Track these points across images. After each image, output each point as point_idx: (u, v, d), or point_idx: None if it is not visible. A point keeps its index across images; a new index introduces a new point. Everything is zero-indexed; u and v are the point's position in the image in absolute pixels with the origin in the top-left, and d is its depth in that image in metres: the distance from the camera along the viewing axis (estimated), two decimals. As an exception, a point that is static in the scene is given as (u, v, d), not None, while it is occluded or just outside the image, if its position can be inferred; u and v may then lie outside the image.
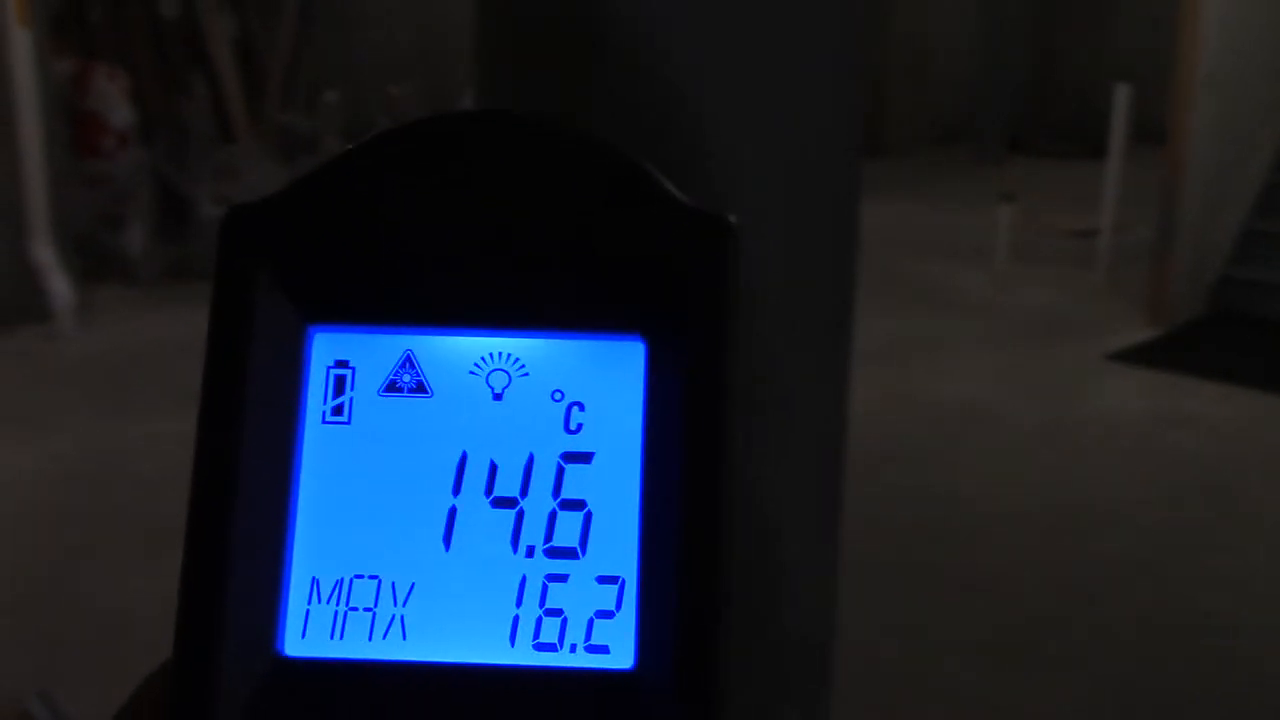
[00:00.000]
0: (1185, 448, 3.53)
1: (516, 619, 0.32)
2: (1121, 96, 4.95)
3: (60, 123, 4.59)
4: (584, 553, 0.33)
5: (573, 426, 0.33)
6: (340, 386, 0.34)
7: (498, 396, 0.33)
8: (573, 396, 0.33)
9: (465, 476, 0.33)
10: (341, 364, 0.34)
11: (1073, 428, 3.71)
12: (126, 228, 4.88)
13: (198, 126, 5.17)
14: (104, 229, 4.91)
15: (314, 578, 0.33)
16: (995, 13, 8.37)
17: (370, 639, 0.33)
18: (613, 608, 0.32)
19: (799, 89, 1.18)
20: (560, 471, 0.33)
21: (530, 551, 0.33)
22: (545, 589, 0.33)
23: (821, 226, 1.24)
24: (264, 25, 5.62)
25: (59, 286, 4.31)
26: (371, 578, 0.33)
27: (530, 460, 0.33)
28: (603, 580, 0.32)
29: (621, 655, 0.32)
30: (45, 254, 4.32)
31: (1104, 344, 4.41)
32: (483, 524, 0.33)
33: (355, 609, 0.33)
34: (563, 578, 0.33)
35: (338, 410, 0.34)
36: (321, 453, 0.33)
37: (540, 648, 0.32)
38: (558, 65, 1.16)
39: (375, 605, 0.33)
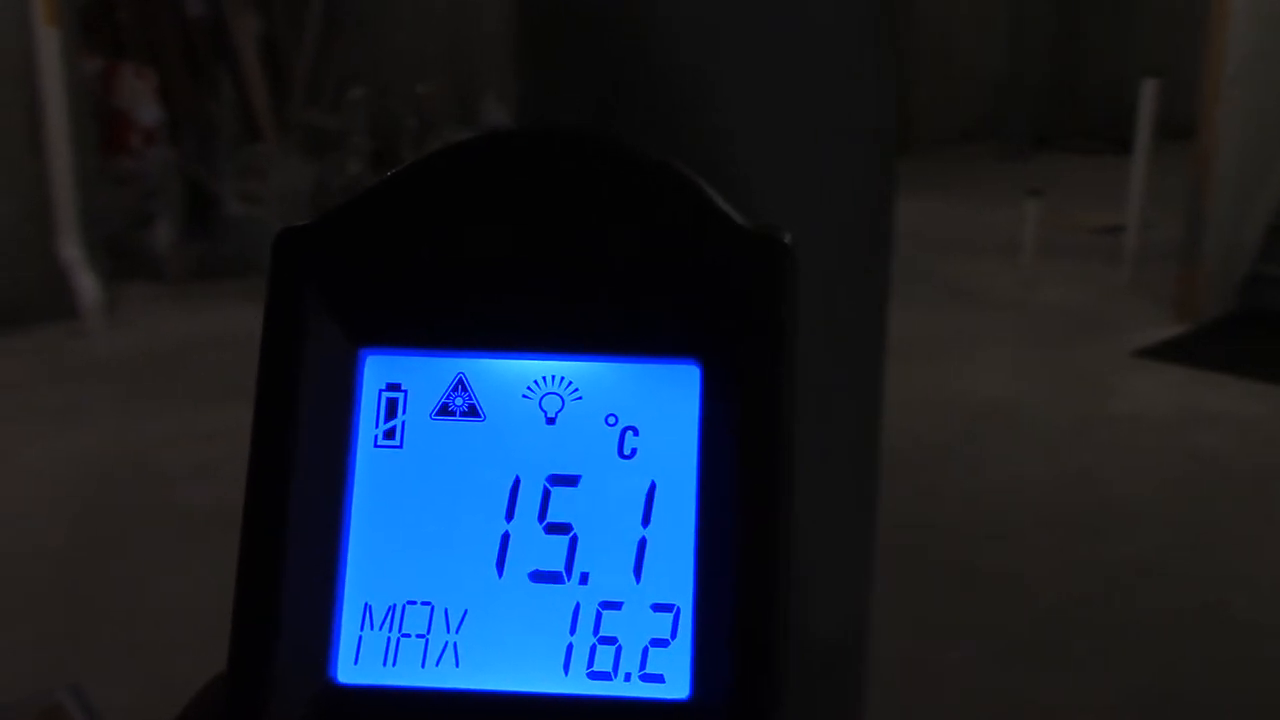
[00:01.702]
0: (1212, 445, 3.50)
1: (570, 647, 0.32)
2: (1149, 92, 4.91)
3: (88, 121, 4.61)
4: (639, 580, 0.32)
5: (627, 451, 0.33)
6: (392, 410, 0.33)
7: (551, 420, 0.33)
8: (627, 421, 0.33)
9: (518, 501, 0.33)
10: (393, 387, 0.33)
11: (1099, 424, 3.69)
12: (154, 225, 4.90)
13: (224, 124, 5.19)
14: (131, 227, 4.93)
15: (366, 604, 0.33)
16: (1021, 7, 8.32)
17: (423, 666, 0.32)
18: (668, 636, 0.32)
19: (835, 91, 1.17)
20: None
21: (584, 578, 0.33)
22: (599, 616, 0.32)
23: (857, 227, 1.23)
24: (290, 23, 5.63)
25: (87, 284, 4.33)
26: (424, 604, 0.33)
27: None
28: (658, 608, 0.32)
29: (677, 685, 0.32)
30: (73, 252, 4.35)
31: (1131, 340, 4.39)
32: (536, 550, 0.33)
33: (408, 635, 0.32)
34: (617, 605, 0.32)
35: (389, 434, 0.33)
36: (373, 477, 0.33)
37: (594, 676, 0.32)
38: (593, 67, 1.15)
39: (428, 632, 0.32)
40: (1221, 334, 4.53)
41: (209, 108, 5.23)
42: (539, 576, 0.33)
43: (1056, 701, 2.29)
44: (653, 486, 0.32)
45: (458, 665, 0.32)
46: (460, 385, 0.33)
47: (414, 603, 0.33)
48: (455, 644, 0.32)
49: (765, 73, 1.14)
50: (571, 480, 0.33)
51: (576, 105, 1.17)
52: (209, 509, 3.00)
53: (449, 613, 0.33)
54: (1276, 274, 4.77)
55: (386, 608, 0.33)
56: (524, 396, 0.33)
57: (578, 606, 0.32)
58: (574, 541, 0.33)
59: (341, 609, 0.33)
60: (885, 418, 1.31)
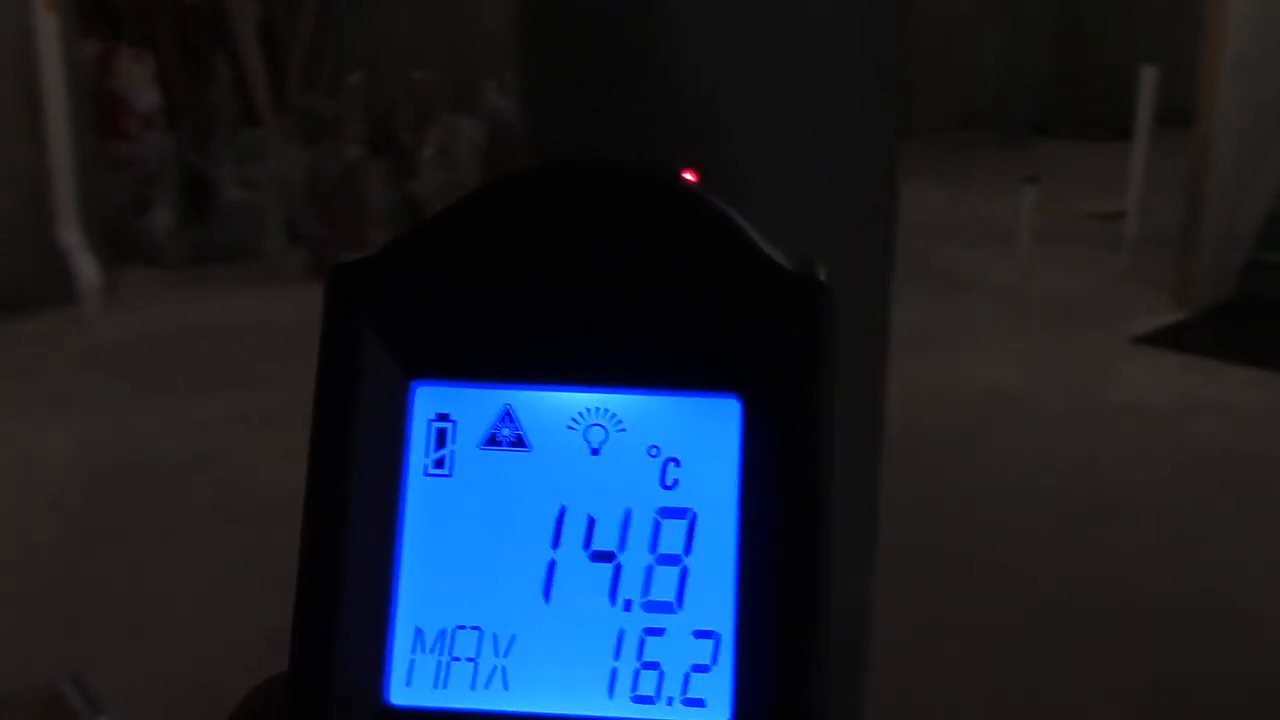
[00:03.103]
0: (1211, 432, 3.52)
1: (615, 671, 0.33)
2: (1148, 79, 4.91)
3: (86, 106, 4.61)
4: (680, 607, 0.33)
5: (669, 482, 0.34)
6: (441, 440, 0.34)
7: (595, 451, 0.34)
8: (669, 452, 0.34)
9: (564, 530, 0.34)
10: (443, 417, 0.34)
11: (1098, 412, 3.70)
12: (151, 211, 4.90)
13: (222, 110, 5.18)
14: (129, 212, 4.93)
15: (418, 628, 0.34)
16: (1021, -4, 8.32)
17: (473, 689, 0.33)
18: (709, 662, 0.33)
19: (837, 89, 1.18)
20: (657, 526, 0.34)
21: (628, 605, 0.33)
22: (643, 642, 0.33)
23: (859, 223, 1.24)
24: (288, 9, 5.62)
25: (85, 269, 4.33)
26: (473, 628, 0.34)
27: (627, 515, 0.34)
28: (699, 635, 0.33)
29: (718, 709, 0.33)
30: (71, 237, 4.35)
31: (1130, 328, 4.40)
32: (581, 577, 0.34)
33: (458, 659, 0.34)
34: (659, 631, 0.33)
35: (439, 463, 0.34)
36: (424, 505, 0.34)
37: (638, 700, 0.33)
38: (591, 64, 1.16)
39: (477, 656, 0.34)
40: (1220, 321, 4.54)
41: (207, 93, 5.22)
42: (584, 603, 0.34)
43: (1056, 691, 2.30)
44: (694, 517, 0.33)
45: (506, 688, 0.33)
46: (508, 416, 0.34)
47: (464, 627, 0.34)
48: (504, 667, 0.33)
49: (766, 71, 1.14)
50: (615, 510, 0.34)
51: (574, 102, 1.18)
52: (207, 496, 3.01)
53: (497, 637, 0.34)
54: (1274, 261, 4.79)
55: (437, 632, 0.34)
56: (569, 428, 0.34)
57: (622, 632, 0.33)
58: (618, 569, 0.34)
59: (394, 632, 0.34)
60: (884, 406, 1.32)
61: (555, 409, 0.34)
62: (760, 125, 1.16)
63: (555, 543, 0.34)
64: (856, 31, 1.19)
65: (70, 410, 3.56)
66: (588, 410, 0.34)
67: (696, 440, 0.34)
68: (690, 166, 0.35)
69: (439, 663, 0.33)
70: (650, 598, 0.33)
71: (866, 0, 1.19)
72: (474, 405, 0.34)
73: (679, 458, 0.34)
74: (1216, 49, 4.47)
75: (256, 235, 5.03)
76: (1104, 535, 2.91)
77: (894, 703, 2.18)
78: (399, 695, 0.33)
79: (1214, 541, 2.88)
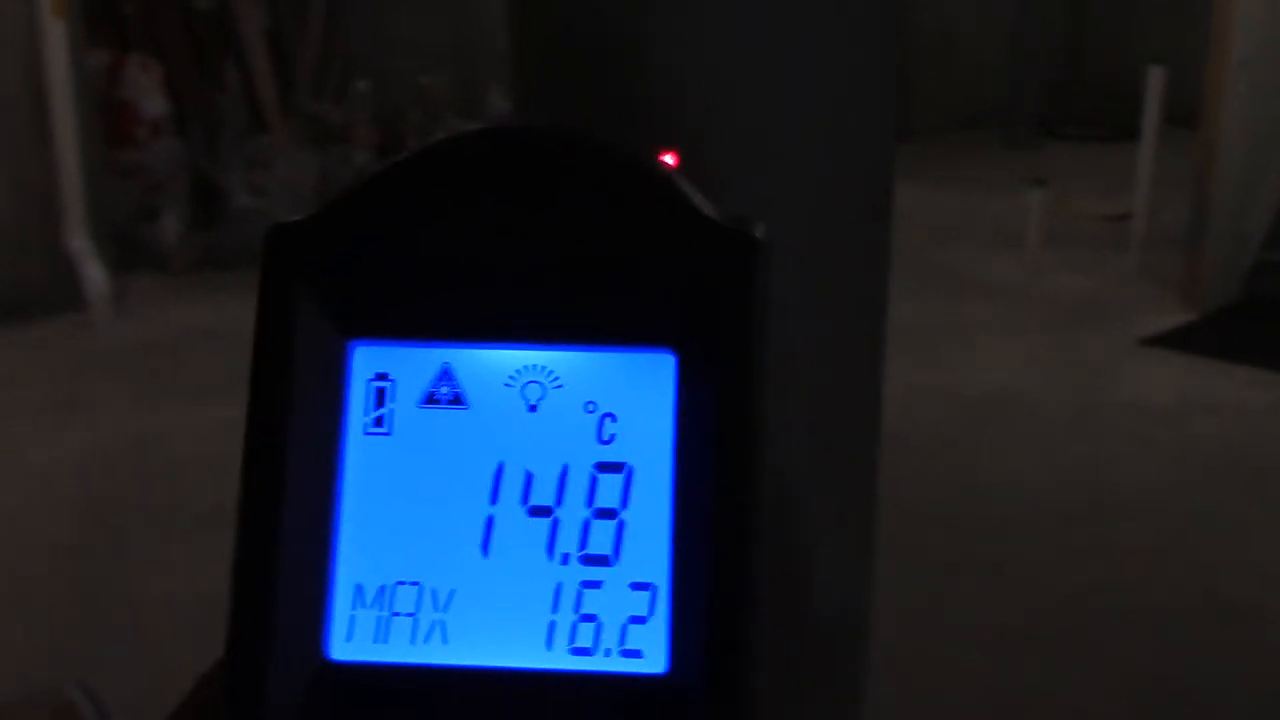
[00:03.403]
0: (1218, 433, 3.51)
1: (553, 624, 0.34)
2: (1155, 79, 4.90)
3: (94, 113, 4.63)
4: (617, 560, 0.34)
5: (605, 437, 0.34)
6: (381, 399, 0.35)
7: (533, 408, 0.35)
8: (605, 408, 0.34)
9: (502, 486, 0.34)
10: (381, 376, 0.35)
11: (1104, 413, 3.69)
12: (160, 217, 4.92)
13: (230, 116, 5.20)
14: (138, 218, 4.94)
15: (358, 584, 0.34)
16: (1027, -5, 8.29)
17: (413, 643, 0.34)
18: (645, 613, 0.33)
19: (834, 87, 1.18)
20: (594, 481, 0.34)
21: (565, 559, 0.34)
22: (580, 595, 0.34)
23: (857, 220, 1.24)
24: (296, 15, 5.64)
25: (94, 275, 4.34)
26: (413, 584, 0.34)
27: (564, 470, 0.34)
28: (635, 586, 0.34)
29: (654, 659, 0.33)
30: (80, 243, 4.36)
31: (1137, 329, 4.38)
32: (519, 532, 0.34)
33: (398, 614, 0.34)
34: (596, 584, 0.34)
35: (378, 422, 0.35)
36: (363, 463, 0.35)
37: (576, 652, 0.34)
38: (590, 69, 1.16)
39: (417, 610, 0.34)
40: (1228, 322, 4.53)
41: (215, 100, 5.24)
42: (522, 557, 0.34)
43: (1057, 690, 2.30)
44: (630, 471, 0.34)
45: (446, 642, 0.34)
46: (446, 375, 0.35)
47: (403, 583, 0.34)
48: (443, 622, 0.34)
49: (763, 70, 1.15)
50: (553, 466, 0.34)
51: (568, 102, 1.19)
52: (216, 500, 3.02)
53: (437, 592, 0.34)
54: (1282, 262, 4.77)
55: (377, 588, 0.34)
56: (506, 385, 0.35)
57: (559, 586, 0.34)
58: (555, 524, 0.34)
59: (334, 589, 0.34)
60: (889, 407, 1.32)
61: (493, 367, 0.35)
62: (758, 124, 1.16)
63: (494, 498, 0.34)
64: (856, 30, 1.20)
65: (78, 414, 3.57)
66: (525, 367, 0.35)
67: (632, 395, 0.34)
68: (668, 149, 0.36)
69: (379, 618, 0.34)
70: (587, 551, 0.34)
71: (865, 2, 1.20)
72: (412, 364, 0.35)
73: (615, 413, 0.34)
74: (1223, 48, 4.46)
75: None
76: (1108, 535, 2.90)
77: (893, 703, 2.18)
78: (339, 651, 0.34)
79: (1218, 542, 2.87)
